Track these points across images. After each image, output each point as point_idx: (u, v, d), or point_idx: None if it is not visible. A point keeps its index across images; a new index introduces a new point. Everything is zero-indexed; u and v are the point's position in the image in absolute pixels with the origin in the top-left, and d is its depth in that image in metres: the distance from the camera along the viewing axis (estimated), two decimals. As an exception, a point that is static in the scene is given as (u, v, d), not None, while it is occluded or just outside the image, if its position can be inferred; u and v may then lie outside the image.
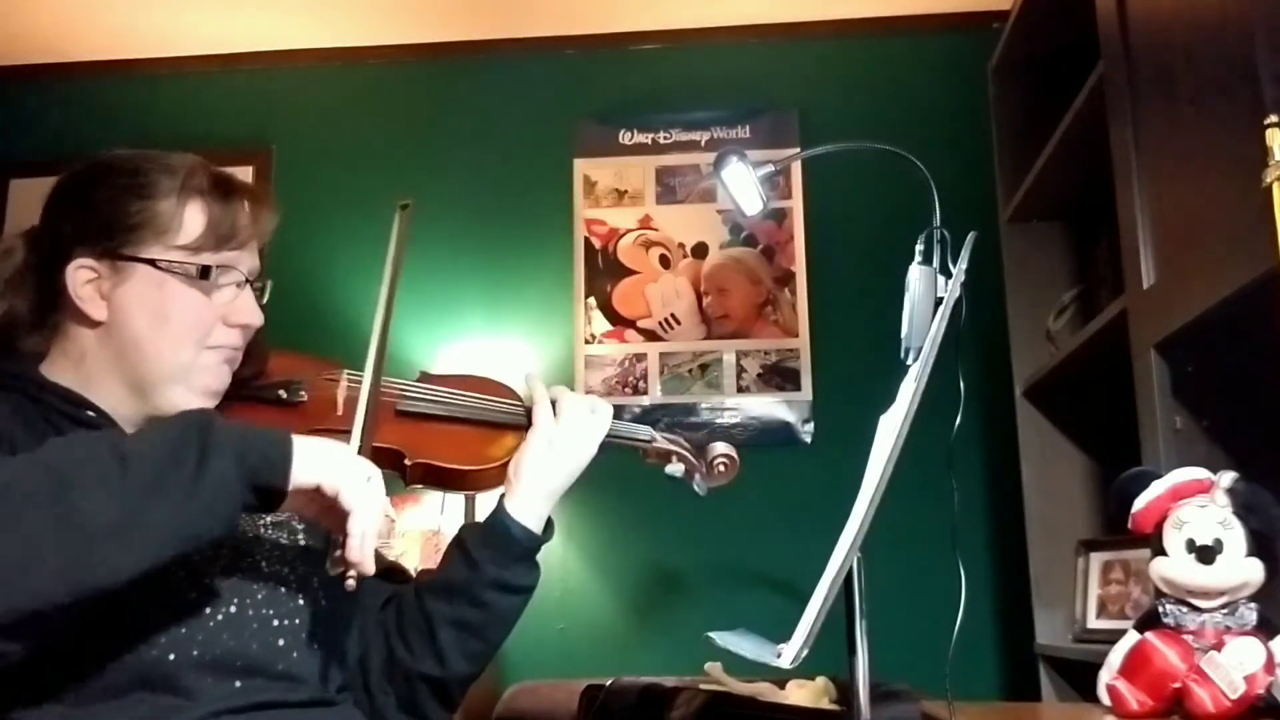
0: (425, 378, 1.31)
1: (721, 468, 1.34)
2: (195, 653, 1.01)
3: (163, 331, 1.10)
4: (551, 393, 1.27)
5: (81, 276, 1.09)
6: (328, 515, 1.01)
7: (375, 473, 1.02)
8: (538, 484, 1.22)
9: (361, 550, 0.98)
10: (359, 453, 1.08)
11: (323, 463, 0.98)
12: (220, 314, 1.13)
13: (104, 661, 0.98)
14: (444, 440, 1.23)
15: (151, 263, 1.09)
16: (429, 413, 1.25)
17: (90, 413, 1.09)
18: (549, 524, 1.25)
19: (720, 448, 1.35)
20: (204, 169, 1.15)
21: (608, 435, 1.28)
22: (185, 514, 0.89)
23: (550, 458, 1.23)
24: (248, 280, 1.16)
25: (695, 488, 1.36)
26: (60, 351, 1.13)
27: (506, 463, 1.24)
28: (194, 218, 1.11)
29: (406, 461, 1.20)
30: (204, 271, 1.11)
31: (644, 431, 1.34)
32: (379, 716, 1.21)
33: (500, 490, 1.25)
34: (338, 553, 1.00)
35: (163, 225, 1.10)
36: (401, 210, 1.22)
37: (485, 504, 2.64)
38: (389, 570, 1.28)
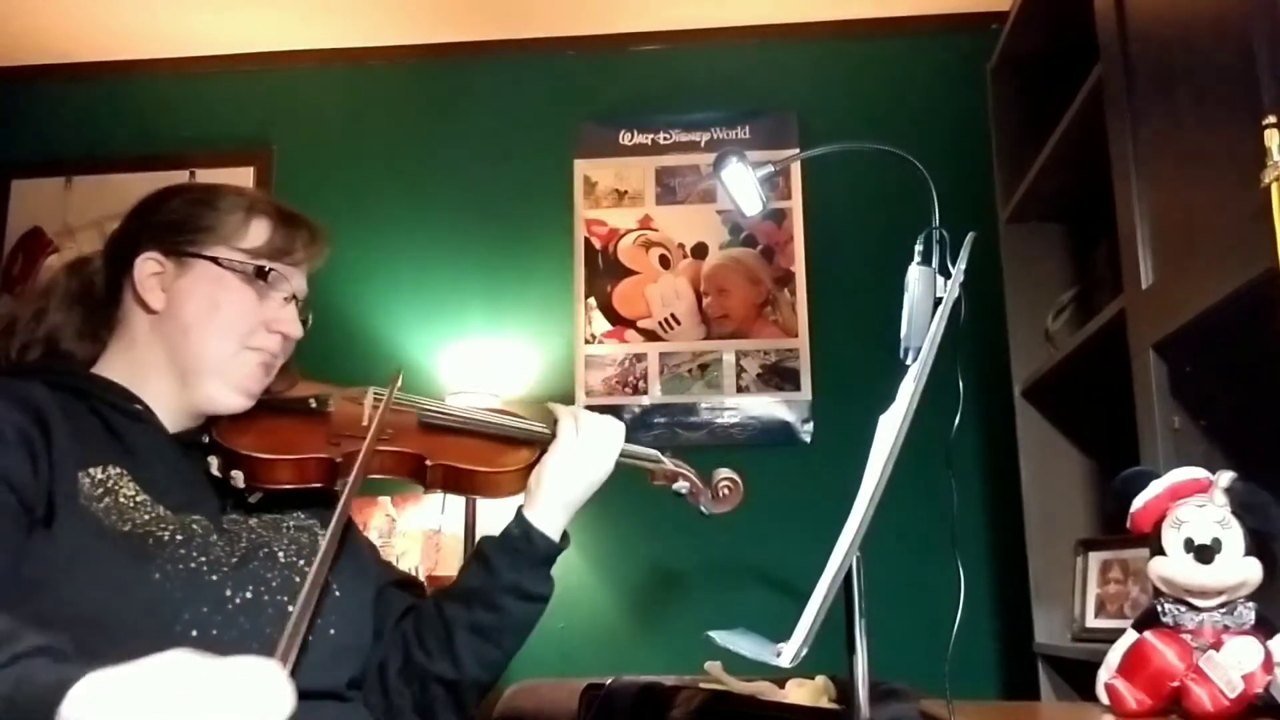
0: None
1: (725, 491, 1.43)
2: (214, 632, 1.02)
3: (211, 319, 1.18)
4: (572, 411, 1.34)
5: (148, 268, 1.19)
6: None
7: (211, 664, 0.68)
8: (558, 494, 1.29)
9: None
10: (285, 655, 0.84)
11: (103, 703, 0.67)
12: (265, 318, 1.21)
13: (128, 638, 0.92)
14: (463, 448, 1.32)
15: (214, 260, 1.19)
16: (449, 425, 1.35)
17: (137, 405, 1.16)
18: (565, 535, 1.31)
19: (724, 471, 1.43)
20: (269, 198, 1.28)
21: (622, 455, 1.35)
22: None
23: (572, 469, 1.30)
24: (295, 297, 1.25)
25: (701, 508, 1.44)
26: (115, 345, 1.21)
27: (521, 469, 1.31)
28: (259, 229, 1.22)
29: (428, 463, 1.27)
30: (260, 271, 1.20)
31: (653, 454, 1.42)
32: (395, 717, 1.25)
33: (512, 500, 1.33)
34: None
35: (229, 231, 1.21)
36: (392, 379, 1.31)
37: (486, 510, 2.64)
38: (407, 582, 1.35)
